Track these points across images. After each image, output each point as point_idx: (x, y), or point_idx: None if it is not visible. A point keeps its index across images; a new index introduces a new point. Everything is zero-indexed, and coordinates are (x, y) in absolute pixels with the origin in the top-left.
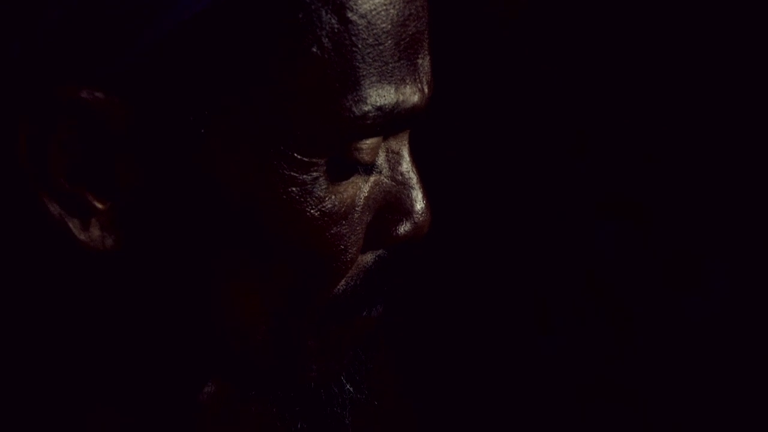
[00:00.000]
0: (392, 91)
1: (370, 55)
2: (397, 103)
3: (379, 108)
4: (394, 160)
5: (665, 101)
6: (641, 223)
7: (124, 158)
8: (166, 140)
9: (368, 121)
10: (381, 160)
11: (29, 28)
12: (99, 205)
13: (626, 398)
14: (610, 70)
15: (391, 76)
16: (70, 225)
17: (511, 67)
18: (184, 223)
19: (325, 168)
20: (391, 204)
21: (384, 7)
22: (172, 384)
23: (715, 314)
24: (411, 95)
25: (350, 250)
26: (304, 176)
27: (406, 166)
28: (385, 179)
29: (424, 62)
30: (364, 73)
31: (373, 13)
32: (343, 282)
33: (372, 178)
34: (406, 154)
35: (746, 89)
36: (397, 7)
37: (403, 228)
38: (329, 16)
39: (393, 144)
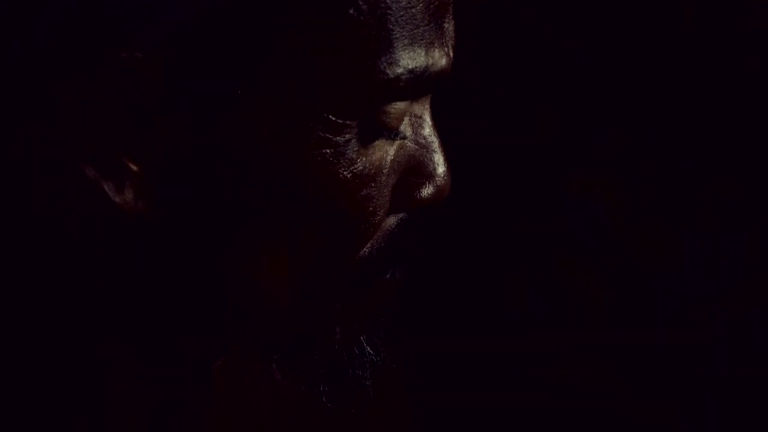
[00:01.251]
0: (422, 54)
1: (403, 18)
2: (427, 66)
3: (411, 71)
4: (417, 124)
5: (656, 80)
6: (614, 199)
7: (157, 122)
8: (196, 108)
9: (400, 84)
10: (405, 124)
11: (29, 28)
12: (133, 167)
13: (601, 374)
14: (619, 50)
15: (422, 40)
16: (105, 187)
17: (533, 46)
18: (213, 186)
19: (356, 130)
20: (414, 167)
21: None
22: (192, 351)
23: (687, 290)
24: (439, 58)
25: (378, 213)
26: (338, 138)
27: (429, 130)
28: (409, 143)
29: (450, 27)
30: (397, 35)
31: None
32: (369, 245)
33: (397, 142)
34: (428, 118)
35: (725, 72)
36: None
37: (426, 191)
38: None
39: (416, 108)
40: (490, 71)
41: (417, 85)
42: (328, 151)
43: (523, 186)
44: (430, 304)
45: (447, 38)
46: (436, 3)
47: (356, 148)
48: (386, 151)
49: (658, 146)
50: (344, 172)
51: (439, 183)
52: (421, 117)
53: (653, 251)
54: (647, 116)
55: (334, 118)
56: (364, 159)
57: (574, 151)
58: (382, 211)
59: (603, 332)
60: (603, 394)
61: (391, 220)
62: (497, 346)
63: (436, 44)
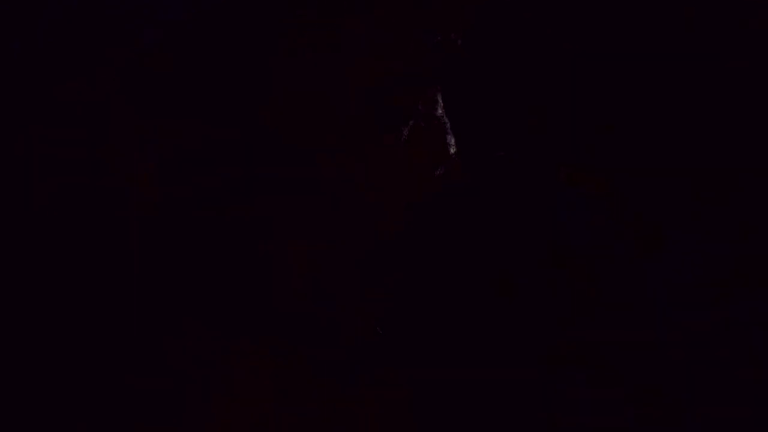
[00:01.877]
0: (439, 36)
1: (420, 5)
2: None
3: (427, 53)
4: (430, 107)
5: (655, 79)
6: (611, 196)
7: (157, 122)
8: (196, 108)
9: (416, 67)
10: (420, 106)
11: (29, 28)
12: (134, 167)
13: (601, 373)
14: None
15: (438, 25)
16: (131, 180)
17: (532, 46)
18: (216, 184)
19: (374, 115)
20: (427, 148)
21: None
22: (192, 350)
23: (678, 280)
24: (455, 40)
25: (394, 196)
26: (359, 122)
27: (441, 111)
28: (422, 124)
29: (463, 12)
30: (415, 21)
31: None
32: (386, 233)
33: (411, 124)
34: (440, 100)
35: (724, 71)
36: None
37: (439, 171)
38: None
39: (429, 91)
40: (490, 70)
41: (432, 68)
42: (347, 135)
43: (522, 185)
44: (428, 304)
45: (461, 23)
46: None
47: (375, 133)
48: (401, 133)
49: (656, 144)
50: (360, 159)
51: (451, 164)
52: (434, 99)
53: (652, 249)
54: (647, 115)
55: (354, 104)
56: (381, 143)
57: (573, 149)
58: (398, 194)
59: (603, 332)
60: (603, 392)
61: (405, 204)
62: (497, 345)
63: (451, 29)
